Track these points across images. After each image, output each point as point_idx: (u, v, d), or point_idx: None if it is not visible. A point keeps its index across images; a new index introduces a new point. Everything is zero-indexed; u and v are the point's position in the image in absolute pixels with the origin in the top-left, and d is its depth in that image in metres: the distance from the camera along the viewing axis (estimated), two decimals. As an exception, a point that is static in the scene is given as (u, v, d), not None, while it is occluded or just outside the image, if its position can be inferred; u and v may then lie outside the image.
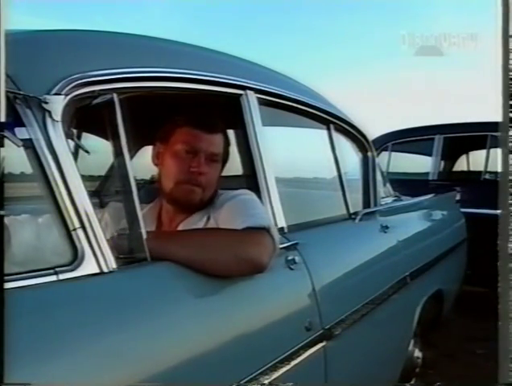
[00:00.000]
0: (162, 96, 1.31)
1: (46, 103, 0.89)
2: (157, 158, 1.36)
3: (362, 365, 1.72)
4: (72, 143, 0.97)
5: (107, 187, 2.02)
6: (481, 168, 4.73)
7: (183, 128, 1.31)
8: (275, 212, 1.44)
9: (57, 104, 0.91)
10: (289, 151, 1.89)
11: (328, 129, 1.99)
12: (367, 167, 2.28)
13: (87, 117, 1.02)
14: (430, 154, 4.91)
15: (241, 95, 1.44)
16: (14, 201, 0.92)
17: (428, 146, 4.90)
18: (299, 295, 1.40)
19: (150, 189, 1.55)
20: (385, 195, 2.56)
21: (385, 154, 5.02)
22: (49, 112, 0.89)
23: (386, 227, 2.13)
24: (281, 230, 1.42)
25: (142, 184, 1.76)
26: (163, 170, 1.34)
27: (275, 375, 1.18)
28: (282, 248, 1.30)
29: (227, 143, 1.38)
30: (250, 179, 1.46)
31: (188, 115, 1.33)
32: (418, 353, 2.48)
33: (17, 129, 0.85)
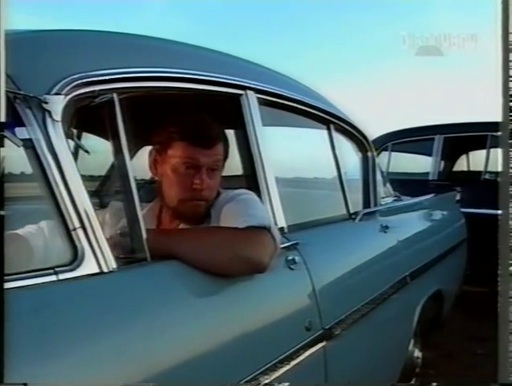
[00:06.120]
0: (162, 96, 1.31)
1: (46, 103, 0.89)
2: (155, 168, 1.33)
3: (362, 365, 1.72)
4: (72, 143, 0.97)
5: (107, 187, 2.02)
6: (481, 168, 4.74)
7: (181, 142, 1.27)
8: (275, 212, 1.44)
9: (57, 104, 0.91)
10: (289, 151, 1.89)
11: (328, 129, 1.99)
12: (367, 167, 2.28)
13: (87, 117, 1.02)
14: (430, 154, 4.92)
15: (241, 95, 1.44)
16: (14, 201, 0.92)
17: (428, 146, 4.91)
18: (299, 295, 1.40)
19: (150, 189, 1.55)
20: (385, 195, 2.56)
21: (385, 154, 5.03)
22: (49, 112, 0.89)
23: (386, 227, 2.13)
24: (281, 230, 1.42)
25: (142, 184, 1.76)
26: (164, 183, 1.31)
27: (275, 375, 1.18)
28: (282, 248, 1.30)
29: (227, 146, 1.35)
30: (250, 179, 1.46)
31: (184, 127, 1.28)
32: (418, 353, 2.48)
33: (17, 129, 0.85)
